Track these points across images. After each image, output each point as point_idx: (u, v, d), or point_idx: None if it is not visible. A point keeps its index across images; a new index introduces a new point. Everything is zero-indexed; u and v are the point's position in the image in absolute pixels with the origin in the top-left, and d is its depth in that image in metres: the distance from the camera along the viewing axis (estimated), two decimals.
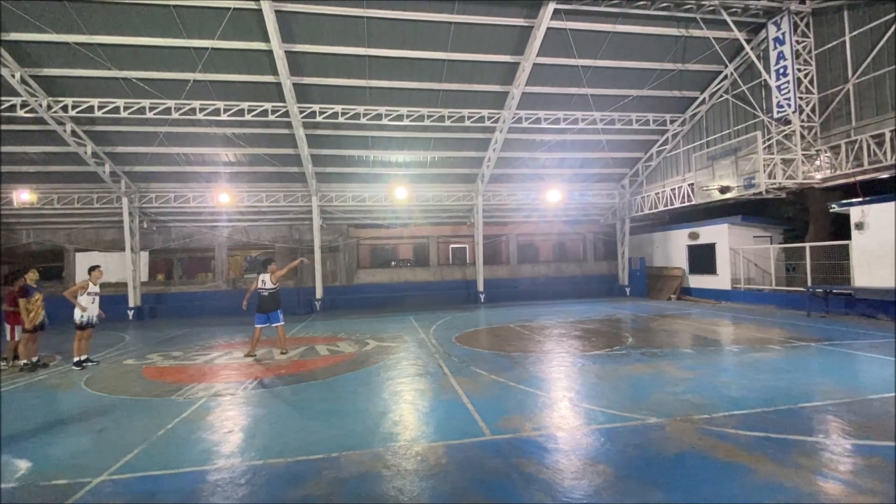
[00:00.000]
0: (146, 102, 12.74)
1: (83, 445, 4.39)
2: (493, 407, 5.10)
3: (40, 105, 12.17)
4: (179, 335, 12.06)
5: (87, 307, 7.87)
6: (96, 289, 8.06)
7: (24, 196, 14.87)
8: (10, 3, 9.89)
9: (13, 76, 11.28)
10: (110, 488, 3.48)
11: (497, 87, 13.65)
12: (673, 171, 17.00)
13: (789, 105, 11.76)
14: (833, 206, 12.34)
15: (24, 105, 12.25)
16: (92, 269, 8.13)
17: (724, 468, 3.45)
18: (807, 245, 13.47)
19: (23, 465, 4.00)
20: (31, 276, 8.10)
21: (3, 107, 12.17)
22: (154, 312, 17.56)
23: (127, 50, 11.37)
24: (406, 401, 5.55)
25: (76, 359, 7.98)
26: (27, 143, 14.02)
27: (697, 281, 17.44)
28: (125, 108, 12.78)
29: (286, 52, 11.57)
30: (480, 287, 18.72)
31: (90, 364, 8.18)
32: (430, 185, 18.06)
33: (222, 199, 15.84)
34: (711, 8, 11.48)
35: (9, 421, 5.24)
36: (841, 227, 13.30)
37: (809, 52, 11.90)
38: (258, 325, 8.51)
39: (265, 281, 8.58)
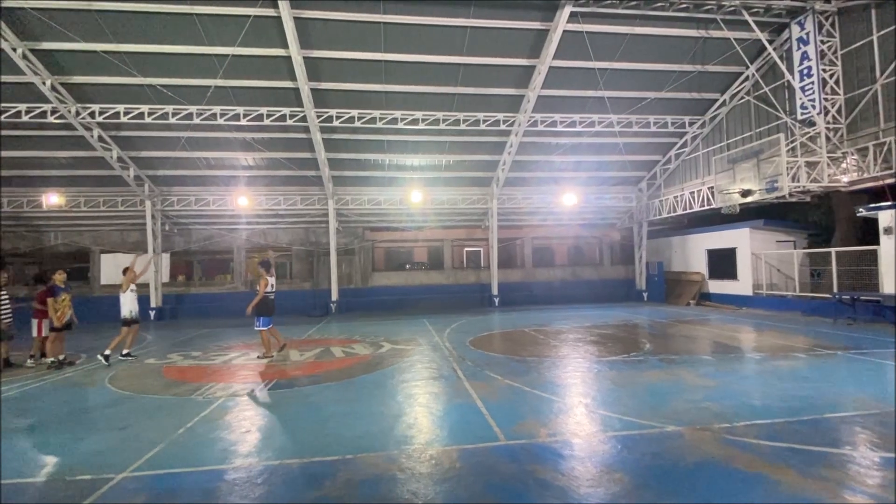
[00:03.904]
0: (169, 108, 13.10)
1: (107, 442, 4.51)
2: (507, 411, 5.07)
3: (69, 111, 12.59)
4: (199, 335, 12.30)
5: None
6: (133, 286, 8.98)
7: (52, 199, 15.39)
8: (42, 14, 10.28)
9: (44, 83, 11.70)
10: (133, 485, 3.57)
11: (512, 91, 13.62)
12: (692, 175, 16.70)
13: (814, 106, 11.46)
14: (860, 209, 11.96)
15: (53, 111, 12.70)
16: (125, 270, 8.96)
17: (745, 479, 3.36)
18: (832, 250, 13.07)
19: (49, 460, 4.13)
20: (59, 277, 8.49)
21: (33, 113, 12.64)
22: (175, 313, 17.97)
23: (152, 57, 11.71)
24: (420, 404, 5.55)
25: (125, 351, 8.84)
26: (56, 147, 14.53)
27: (718, 286, 17.07)
28: (149, 114, 13.15)
29: (304, 57, 11.76)
30: (495, 290, 18.66)
31: (131, 358, 8.85)
32: (445, 188, 18.10)
33: (241, 202, 16.16)
34: (732, 8, 11.28)
35: (36, 417, 5.42)
36: (869, 232, 12.87)
37: (835, 51, 11.58)
38: (265, 328, 8.33)
39: (273, 284, 8.59)
